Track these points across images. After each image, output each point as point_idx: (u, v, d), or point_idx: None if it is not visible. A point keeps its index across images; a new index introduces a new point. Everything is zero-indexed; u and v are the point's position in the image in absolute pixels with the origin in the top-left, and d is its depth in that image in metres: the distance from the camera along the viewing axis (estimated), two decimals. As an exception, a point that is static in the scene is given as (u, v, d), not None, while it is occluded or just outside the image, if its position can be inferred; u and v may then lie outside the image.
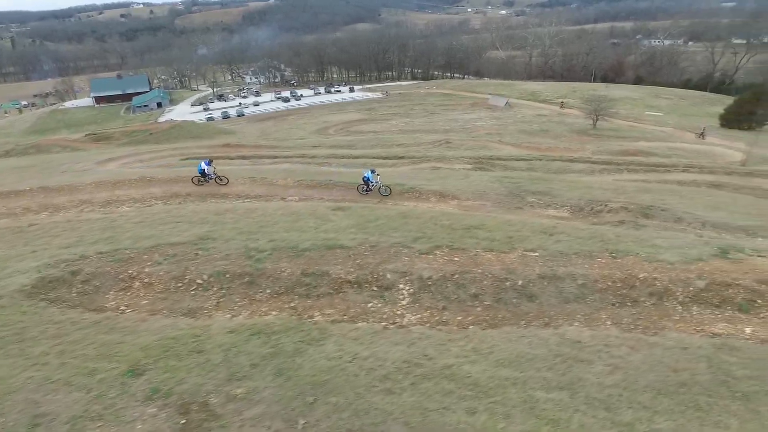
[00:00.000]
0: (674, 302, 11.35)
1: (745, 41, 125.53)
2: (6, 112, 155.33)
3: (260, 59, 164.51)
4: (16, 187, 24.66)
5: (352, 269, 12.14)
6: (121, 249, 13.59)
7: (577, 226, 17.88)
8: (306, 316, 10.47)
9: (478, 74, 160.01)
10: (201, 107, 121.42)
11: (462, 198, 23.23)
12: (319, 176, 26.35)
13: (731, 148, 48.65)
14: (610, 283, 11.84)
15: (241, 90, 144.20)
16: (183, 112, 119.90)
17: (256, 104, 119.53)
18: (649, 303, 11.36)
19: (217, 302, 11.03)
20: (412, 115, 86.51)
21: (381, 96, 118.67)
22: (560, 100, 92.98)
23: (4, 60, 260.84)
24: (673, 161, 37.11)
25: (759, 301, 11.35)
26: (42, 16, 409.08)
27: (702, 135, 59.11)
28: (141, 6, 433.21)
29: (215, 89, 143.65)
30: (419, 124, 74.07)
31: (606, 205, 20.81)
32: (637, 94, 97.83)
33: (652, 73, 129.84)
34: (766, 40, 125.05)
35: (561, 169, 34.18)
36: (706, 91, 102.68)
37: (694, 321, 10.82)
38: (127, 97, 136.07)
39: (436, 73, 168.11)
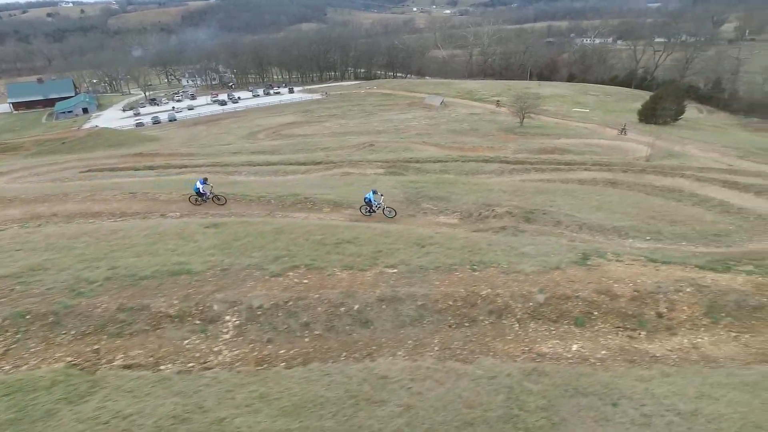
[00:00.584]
0: (512, 319, 11.05)
1: (665, 40, 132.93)
2: None
3: (198, 61, 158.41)
4: None
5: (176, 301, 11.10)
6: None
7: (456, 235, 17.53)
8: (104, 361, 9.36)
9: (420, 73, 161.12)
10: (131, 112, 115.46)
11: (357, 207, 22.50)
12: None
13: (642, 143, 50.77)
14: (451, 302, 11.40)
15: (175, 93, 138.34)
16: (111, 118, 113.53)
17: (190, 108, 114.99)
18: (487, 322, 11.01)
19: (5, 350, 9.69)
20: (348, 116, 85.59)
21: (321, 97, 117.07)
22: (495, 99, 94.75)
23: None
24: (583, 159, 38.02)
25: (595, 313, 11.24)
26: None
27: (623, 131, 61.36)
28: (70, 5, 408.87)
29: (147, 93, 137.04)
30: (353, 125, 73.26)
31: (494, 210, 20.68)
32: (566, 92, 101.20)
33: (583, 70, 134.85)
34: (683, 39, 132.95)
35: (474, 170, 34.29)
36: (630, 87, 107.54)
37: (527, 339, 10.54)
38: (49, 103, 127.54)
39: (379, 72, 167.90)
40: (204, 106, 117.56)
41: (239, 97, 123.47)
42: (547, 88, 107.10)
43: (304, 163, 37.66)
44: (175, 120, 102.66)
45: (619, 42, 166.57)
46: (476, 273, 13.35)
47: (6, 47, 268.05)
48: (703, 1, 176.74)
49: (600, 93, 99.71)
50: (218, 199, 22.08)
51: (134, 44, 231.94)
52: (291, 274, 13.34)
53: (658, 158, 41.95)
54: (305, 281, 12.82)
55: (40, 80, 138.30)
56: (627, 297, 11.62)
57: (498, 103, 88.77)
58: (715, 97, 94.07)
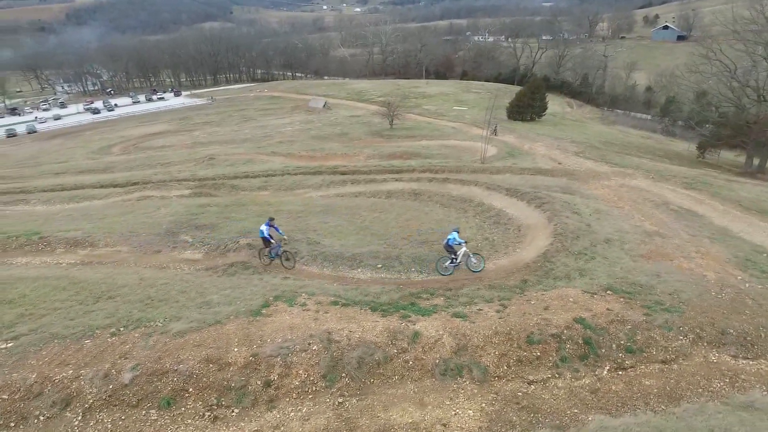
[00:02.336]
0: (77, 411, 9.14)
1: (551, 38, 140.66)
2: None
3: (73, 65, 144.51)
4: None
5: None
6: None
7: (159, 279, 15.52)
8: None
9: (319, 73, 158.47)
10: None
11: (99, 245, 19.88)
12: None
13: (498, 143, 52.16)
14: (6, 396, 9.29)
15: (43, 101, 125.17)
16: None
17: (57, 117, 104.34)
18: (42, 418, 9.03)
19: None
20: (224, 123, 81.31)
21: (206, 102, 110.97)
22: (380, 98, 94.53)
23: None
24: (421, 164, 37.71)
25: (190, 390, 9.64)
26: None
27: (494, 131, 62.22)
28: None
29: (6, 102, 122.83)
30: (223, 134, 69.46)
31: (237, 242, 18.91)
32: (451, 89, 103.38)
33: (475, 68, 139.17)
34: (565, 37, 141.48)
35: (296, 185, 32.65)
36: (513, 84, 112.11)
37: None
38: None
39: (277, 73, 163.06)
40: (74, 115, 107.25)
41: (116, 105, 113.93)
42: (434, 87, 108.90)
43: (113, 185, 34.14)
44: (35, 131, 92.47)
45: (510, 39, 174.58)
46: (110, 339, 11.42)
47: None
48: (588, 1, 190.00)
49: (482, 90, 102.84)
50: (287, 260, 16.85)
51: (3, 45, 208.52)
52: None
53: (497, 159, 42.80)
54: None
55: None
56: (239, 364, 10.17)
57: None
58: (584, 92, 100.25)
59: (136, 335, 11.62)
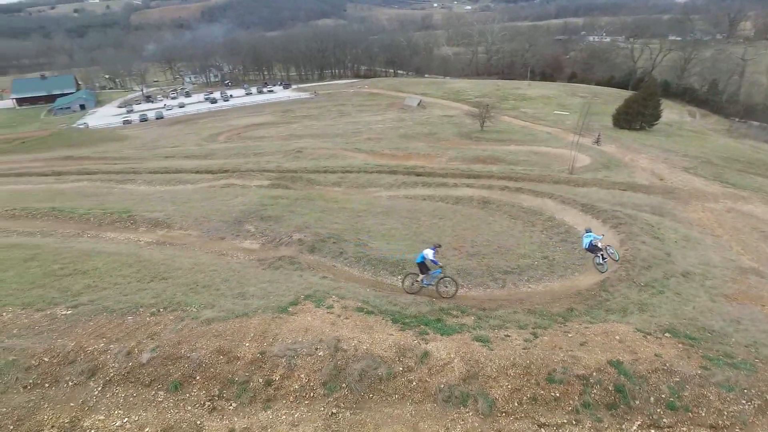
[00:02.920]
0: (99, 382, 10.03)
1: (679, 38, 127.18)
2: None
3: (200, 58, 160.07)
4: None
5: None
6: None
7: (208, 263, 16.59)
8: None
9: (421, 71, 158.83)
10: (124, 110, 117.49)
11: (175, 227, 21.76)
12: (45, 203, 24.63)
13: (589, 150, 48.42)
14: (47, 359, 10.44)
15: (173, 90, 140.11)
16: (105, 114, 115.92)
17: (181, 106, 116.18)
18: (70, 384, 10.01)
19: None
20: (322, 117, 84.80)
21: (309, 96, 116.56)
22: (477, 99, 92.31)
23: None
24: (501, 170, 36.30)
25: (197, 378, 10.12)
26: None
27: (597, 140, 57.95)
28: (97, 1, 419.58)
29: (144, 90, 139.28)
30: (318, 127, 72.42)
31: (291, 236, 19.54)
32: (554, 92, 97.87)
33: (585, 70, 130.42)
34: (698, 38, 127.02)
35: (368, 183, 33.05)
36: (627, 88, 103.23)
37: (102, 406, 9.53)
38: (51, 99, 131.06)
39: (379, 69, 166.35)
40: (195, 104, 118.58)
41: (231, 95, 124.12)
42: (536, 89, 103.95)
43: (208, 171, 37.08)
44: (162, 118, 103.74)
45: (631, 40, 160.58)
46: (148, 318, 12.40)
47: (30, 42, 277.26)
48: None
49: (588, 94, 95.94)
50: (445, 286, 14.91)
51: (149, 40, 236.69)
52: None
53: (588, 170, 39.75)
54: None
55: (43, 76, 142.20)
56: (247, 359, 10.45)
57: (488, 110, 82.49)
58: (711, 100, 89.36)
59: (171, 317, 12.46)
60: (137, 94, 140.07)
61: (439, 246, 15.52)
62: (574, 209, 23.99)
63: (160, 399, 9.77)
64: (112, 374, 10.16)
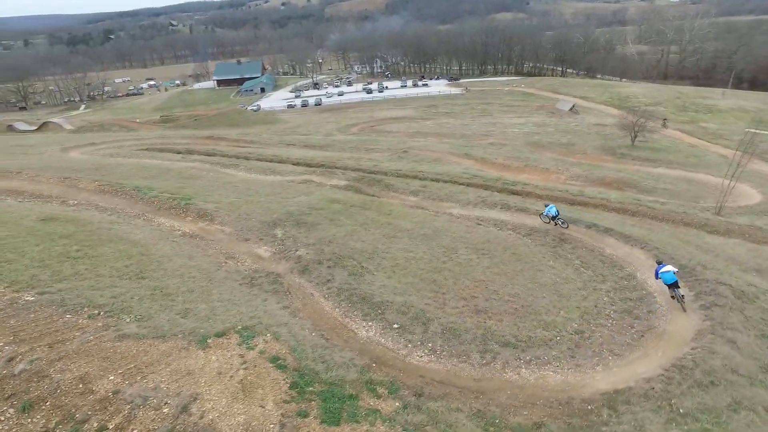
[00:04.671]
0: (-23, 382, 10.23)
1: None
2: (166, 89, 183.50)
3: (368, 49, 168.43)
4: None
5: None
6: None
7: (199, 267, 16.47)
8: None
9: (590, 71, 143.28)
10: (293, 95, 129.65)
11: (216, 221, 22.55)
12: (132, 180, 27.50)
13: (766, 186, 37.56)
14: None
15: (338, 79, 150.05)
16: (276, 98, 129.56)
17: (340, 94, 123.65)
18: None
19: None
20: (460, 115, 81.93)
21: (460, 92, 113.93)
22: (648, 107, 79.30)
23: (180, 44, 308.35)
24: (606, 199, 30.18)
25: (47, 404, 9.69)
26: (221, 5, 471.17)
27: None
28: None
29: (314, 77, 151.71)
30: (450, 126, 70.08)
31: (297, 250, 18.42)
32: (754, 105, 78.93)
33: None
34: None
35: (448, 196, 30.29)
36: None
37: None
38: (242, 81, 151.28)
39: (545, 67, 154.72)
40: (353, 93, 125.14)
41: (386, 87, 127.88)
42: (731, 99, 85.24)
43: (305, 164, 38.08)
44: (320, 104, 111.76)
45: None
46: (78, 320, 12.56)
47: (242, 32, 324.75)
48: None
49: (808, 111, 75.10)
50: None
51: (334, 31, 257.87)
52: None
53: (749, 211, 30.87)
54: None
55: (238, 61, 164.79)
56: (98, 396, 9.67)
57: (665, 123, 70.04)
58: None
59: (98, 325, 12.42)
60: (308, 80, 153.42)
61: None
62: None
63: (8, 416, 9.53)
64: None
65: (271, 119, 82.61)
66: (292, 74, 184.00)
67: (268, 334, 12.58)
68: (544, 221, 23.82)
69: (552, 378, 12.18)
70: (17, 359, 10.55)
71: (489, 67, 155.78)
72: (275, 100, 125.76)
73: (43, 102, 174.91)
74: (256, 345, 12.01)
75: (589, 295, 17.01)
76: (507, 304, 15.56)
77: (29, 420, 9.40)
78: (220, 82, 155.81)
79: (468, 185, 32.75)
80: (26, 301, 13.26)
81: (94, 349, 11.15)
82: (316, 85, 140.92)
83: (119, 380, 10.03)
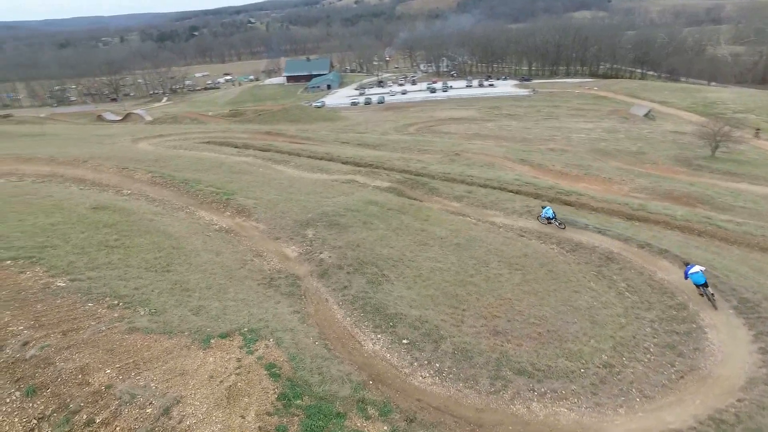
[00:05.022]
0: (-6, 362, 10.87)
1: None
2: (239, 84, 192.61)
3: (435, 48, 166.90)
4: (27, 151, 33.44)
5: None
6: None
7: (223, 264, 16.78)
8: None
9: (674, 74, 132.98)
10: (357, 92, 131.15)
11: (252, 218, 23.08)
12: (188, 172, 28.63)
13: None
14: (-16, 326, 11.79)
15: (402, 77, 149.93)
16: (341, 95, 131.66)
17: (404, 93, 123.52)
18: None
19: None
20: (524, 118, 79.00)
21: (527, 93, 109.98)
22: (737, 114, 72.43)
23: (257, 40, 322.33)
24: (671, 216, 27.57)
25: (48, 391, 10.09)
26: (296, 3, 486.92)
27: None
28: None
29: (380, 75, 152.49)
30: (511, 129, 67.66)
31: (321, 253, 18.24)
32: None
33: None
34: None
35: (493, 203, 29.10)
36: None
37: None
38: (309, 78, 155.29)
39: (623, 69, 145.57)
40: (417, 92, 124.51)
41: (451, 86, 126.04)
42: (838, 109, 75.73)
43: (354, 163, 38.10)
44: (383, 102, 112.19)
45: None
46: (101, 311, 13.09)
47: (315, 29, 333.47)
48: None
49: None
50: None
51: (404, 29, 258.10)
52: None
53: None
54: None
55: (308, 58, 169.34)
56: (92, 388, 9.91)
57: (757, 133, 64.35)
58: None
59: (114, 315, 12.87)
60: (373, 78, 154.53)
61: None
62: (726, 302, 16.27)
63: (13, 398, 10.00)
64: (1, 359, 10.85)
65: (333, 116, 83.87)
66: (358, 72, 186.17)
67: (271, 339, 12.46)
68: (542, 223, 24.37)
69: (564, 416, 11.09)
70: (31, 344, 11.09)
71: (561, 67, 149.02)
72: (340, 97, 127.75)
73: (132, 94, 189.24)
74: (257, 350, 11.92)
75: (628, 323, 15.49)
76: (531, 327, 14.48)
77: (31, 404, 9.80)
78: (289, 78, 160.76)
79: (517, 193, 31.27)
80: (57, 286, 14.00)
81: (102, 340, 11.52)
82: (380, 83, 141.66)
83: (114, 375, 10.25)
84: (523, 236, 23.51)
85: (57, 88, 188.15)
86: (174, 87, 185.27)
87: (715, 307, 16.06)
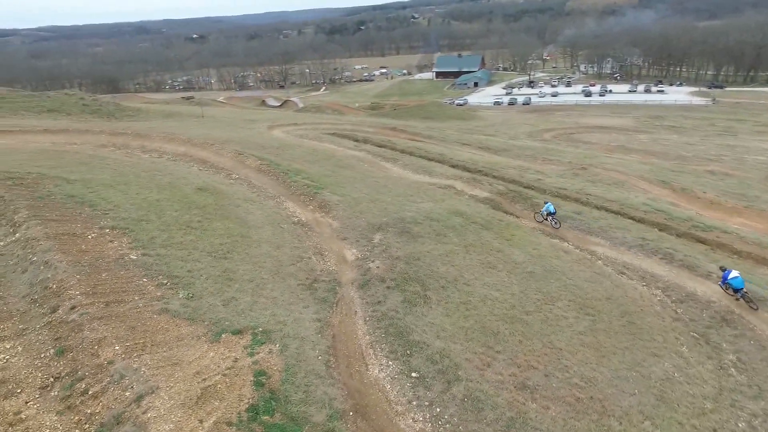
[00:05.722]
0: (39, 319, 12.65)
1: None
2: (392, 77, 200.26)
3: (600, 47, 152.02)
4: (181, 132, 38.88)
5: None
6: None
7: (269, 268, 17.44)
8: None
9: None
10: (504, 91, 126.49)
11: (331, 214, 23.62)
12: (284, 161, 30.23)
13: None
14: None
15: (557, 78, 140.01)
16: (486, 93, 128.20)
17: (555, 95, 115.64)
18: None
19: None
20: (690, 132, 67.85)
21: (706, 103, 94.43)
22: None
23: (416, 35, 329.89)
24: None
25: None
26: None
27: None
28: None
29: (532, 75, 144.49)
30: (669, 144, 58.59)
31: (374, 261, 17.74)
32: None
33: None
34: None
35: (602, 229, 25.67)
36: None
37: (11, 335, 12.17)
38: (458, 75, 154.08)
39: None
40: (570, 95, 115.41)
41: (610, 91, 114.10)
42: None
43: (463, 168, 36.64)
44: (528, 104, 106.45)
45: None
46: (149, 287, 14.48)
47: (475, 25, 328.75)
48: None
49: None
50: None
51: (570, 26, 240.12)
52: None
53: None
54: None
55: (459, 55, 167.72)
56: (98, 361, 10.89)
57: None
58: None
59: (157, 294, 14.09)
60: (524, 78, 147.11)
61: None
62: None
63: (46, 355, 11.51)
64: (39, 321, 12.49)
65: (468, 115, 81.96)
66: (511, 70, 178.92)
67: (278, 345, 12.42)
68: (538, 220, 25.61)
69: None
70: (77, 309, 12.64)
71: (762, 73, 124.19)
72: (484, 95, 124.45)
73: (297, 82, 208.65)
74: (258, 353, 11.99)
75: (716, 411, 12.20)
76: (570, 388, 12.18)
77: (56, 363, 11.18)
78: (438, 74, 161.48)
79: (639, 221, 26.97)
80: (129, 259, 15.80)
81: (132, 316, 12.65)
82: (531, 83, 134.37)
83: (121, 352, 11.15)
84: (622, 274, 20.14)
85: (240, 74, 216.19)
86: (333, 77, 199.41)
87: (756, 307, 16.48)
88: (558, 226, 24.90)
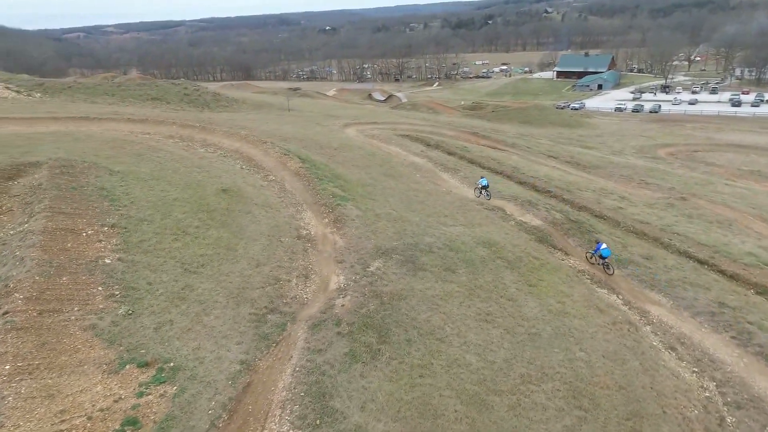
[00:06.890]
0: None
1: None
2: (510, 75, 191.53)
3: (764, 47, 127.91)
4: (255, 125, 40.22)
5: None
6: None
7: (278, 278, 16.60)
8: None
9: None
10: (631, 96, 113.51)
11: (341, 231, 22.32)
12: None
13: None
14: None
15: (704, 82, 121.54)
16: (609, 98, 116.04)
17: (692, 102, 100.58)
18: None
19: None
20: None
21: None
22: None
23: (546, 31, 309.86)
24: None
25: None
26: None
27: None
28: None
29: (669, 78, 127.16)
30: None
31: (385, 285, 15.85)
32: None
33: None
34: None
35: (666, 284, 20.94)
36: None
37: None
38: (581, 75, 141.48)
39: None
40: (711, 103, 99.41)
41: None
42: None
43: (534, 188, 32.67)
44: (656, 112, 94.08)
45: None
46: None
47: (615, 20, 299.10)
48: None
49: None
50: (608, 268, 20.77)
51: (733, 21, 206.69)
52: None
53: None
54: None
55: (586, 53, 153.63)
56: (-13, 378, 10.73)
57: None
58: None
59: (101, 306, 13.84)
60: (658, 82, 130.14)
61: None
62: None
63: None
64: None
65: (576, 122, 74.28)
66: (648, 72, 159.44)
67: (177, 387, 11.31)
68: (476, 195, 28.50)
69: None
70: (7, 314, 12.71)
71: None
72: (606, 100, 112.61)
73: (413, 76, 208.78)
74: (150, 394, 11.03)
75: None
76: None
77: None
78: (559, 74, 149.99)
79: (731, 277, 21.82)
80: (103, 263, 15.86)
81: (55, 330, 12.44)
82: (665, 88, 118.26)
83: (6, 373, 10.81)
84: (672, 350, 15.88)
85: (360, 66, 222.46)
86: (449, 73, 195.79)
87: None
88: (611, 271, 21.04)
